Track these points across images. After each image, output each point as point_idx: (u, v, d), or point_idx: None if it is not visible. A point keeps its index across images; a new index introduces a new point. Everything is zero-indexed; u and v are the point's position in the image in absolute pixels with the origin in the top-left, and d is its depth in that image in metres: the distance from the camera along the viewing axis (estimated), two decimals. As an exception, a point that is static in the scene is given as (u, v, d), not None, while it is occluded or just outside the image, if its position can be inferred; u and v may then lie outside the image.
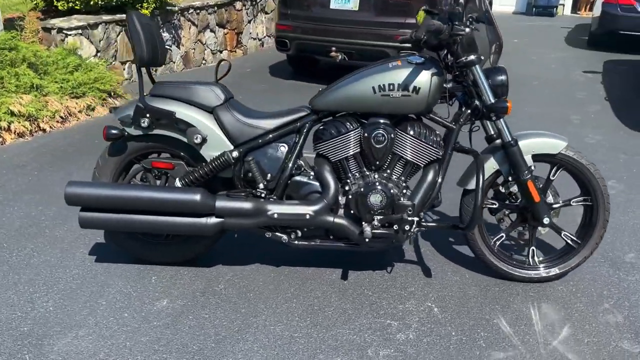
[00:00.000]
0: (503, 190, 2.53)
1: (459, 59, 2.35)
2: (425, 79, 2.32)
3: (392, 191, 2.36)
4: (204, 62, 7.42)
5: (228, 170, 2.44)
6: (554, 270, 2.55)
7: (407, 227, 2.37)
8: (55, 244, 2.80)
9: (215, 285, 2.52)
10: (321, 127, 2.46)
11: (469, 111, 2.42)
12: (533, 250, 2.57)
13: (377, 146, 2.37)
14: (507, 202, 2.55)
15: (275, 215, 2.35)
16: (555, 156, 2.44)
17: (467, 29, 2.21)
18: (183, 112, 2.41)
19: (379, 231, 2.36)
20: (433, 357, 2.10)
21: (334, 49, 5.90)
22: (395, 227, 2.37)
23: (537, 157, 2.43)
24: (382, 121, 2.39)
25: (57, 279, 2.52)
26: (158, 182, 2.54)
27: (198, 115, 2.43)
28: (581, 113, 5.54)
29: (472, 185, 2.45)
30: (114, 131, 2.41)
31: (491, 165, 2.44)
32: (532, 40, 10.41)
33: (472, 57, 2.31)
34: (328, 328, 2.25)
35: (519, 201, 2.50)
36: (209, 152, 2.44)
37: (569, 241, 2.56)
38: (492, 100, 2.32)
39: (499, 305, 2.43)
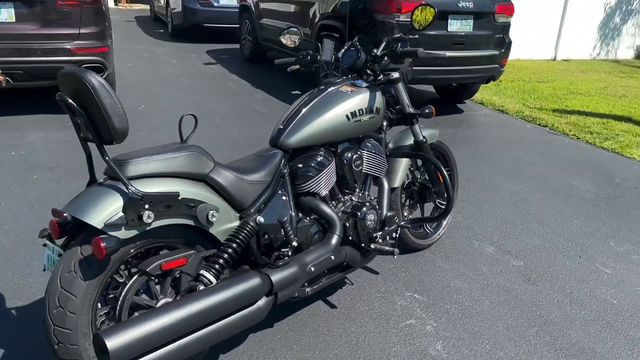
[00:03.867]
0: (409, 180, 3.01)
1: (378, 78, 2.64)
2: (380, 99, 2.53)
3: (376, 207, 2.52)
4: None
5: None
6: (441, 231, 3.24)
7: (394, 235, 2.59)
8: None
9: (249, 375, 2.13)
10: (301, 166, 2.34)
11: (385, 122, 2.76)
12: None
13: (356, 169, 2.46)
14: (408, 189, 3.05)
15: (313, 269, 2.17)
16: (433, 143, 3.06)
17: (421, 51, 2.50)
18: (185, 189, 1.87)
19: (383, 247, 2.49)
20: (465, 328, 2.50)
21: (-1, 71, 4.76)
22: (387, 237, 2.55)
23: None
24: (352, 145, 2.47)
25: None
26: (158, 287, 1.90)
27: (198, 188, 1.93)
28: (260, 103, 6.27)
29: (396, 183, 2.84)
30: (110, 244, 1.66)
31: (408, 162, 2.87)
32: (118, 35, 10.41)
33: (396, 75, 2.64)
34: (382, 350, 2.32)
35: (417, 186, 3.04)
36: (220, 228, 2.00)
37: (441, 206, 3.27)
38: (412, 109, 2.73)
39: (438, 271, 2.96)
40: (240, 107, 6.07)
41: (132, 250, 1.82)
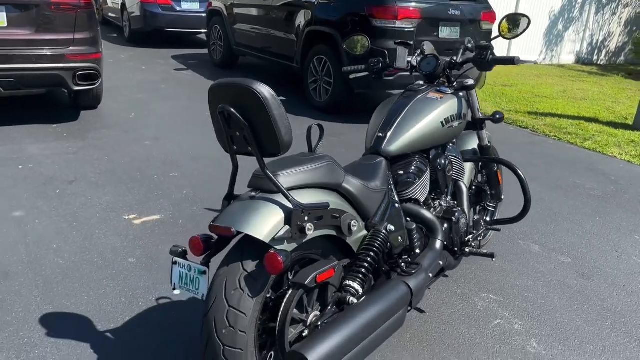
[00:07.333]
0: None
1: (452, 84, 2.70)
2: (465, 104, 2.59)
3: (465, 211, 2.57)
4: None
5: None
6: (491, 234, 3.34)
7: (480, 239, 2.65)
8: None
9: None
10: (402, 173, 2.35)
11: None
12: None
13: (448, 174, 2.50)
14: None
15: (431, 275, 2.18)
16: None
17: (518, 58, 2.56)
18: (330, 199, 1.85)
19: (481, 250, 2.54)
20: (549, 325, 2.60)
21: (-8, 80, 4.45)
22: (477, 240, 2.61)
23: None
24: (440, 152, 2.51)
25: None
26: (306, 298, 1.84)
27: (336, 198, 1.90)
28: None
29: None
30: (285, 258, 1.60)
31: (472, 165, 2.94)
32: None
33: (471, 81, 2.71)
34: (485, 351, 2.37)
35: (473, 189, 3.12)
36: (354, 238, 1.98)
37: (489, 208, 3.36)
38: (482, 115, 2.81)
39: (499, 271, 3.05)
40: (233, 114, 5.95)
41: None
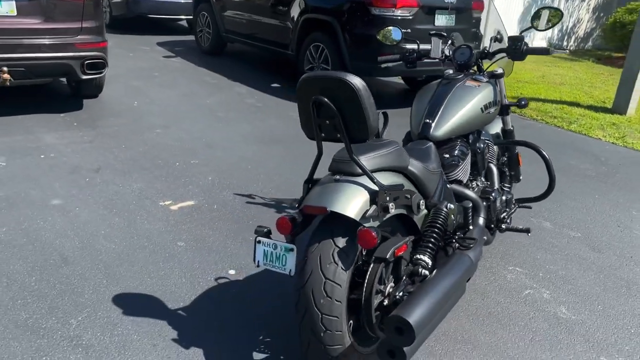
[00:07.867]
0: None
1: (482, 73, 2.90)
2: (497, 91, 2.78)
3: (500, 191, 2.77)
4: None
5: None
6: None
7: (511, 215, 2.86)
8: None
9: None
10: (447, 156, 2.53)
11: None
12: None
13: (485, 157, 2.70)
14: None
15: (482, 250, 2.38)
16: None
17: (552, 50, 2.77)
18: (401, 181, 2.02)
19: (517, 226, 2.76)
20: (573, 293, 2.84)
21: (5, 69, 4.45)
22: (510, 217, 2.83)
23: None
24: (477, 136, 2.71)
25: None
26: (383, 269, 2.01)
27: (404, 180, 2.08)
28: (248, 97, 6.28)
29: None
30: (378, 234, 1.77)
31: (497, 148, 3.15)
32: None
33: (500, 70, 2.90)
34: (522, 318, 2.60)
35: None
36: (419, 216, 2.15)
37: (505, 189, 3.59)
38: (508, 101, 3.01)
39: (519, 246, 3.29)
40: (231, 101, 6.04)
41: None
